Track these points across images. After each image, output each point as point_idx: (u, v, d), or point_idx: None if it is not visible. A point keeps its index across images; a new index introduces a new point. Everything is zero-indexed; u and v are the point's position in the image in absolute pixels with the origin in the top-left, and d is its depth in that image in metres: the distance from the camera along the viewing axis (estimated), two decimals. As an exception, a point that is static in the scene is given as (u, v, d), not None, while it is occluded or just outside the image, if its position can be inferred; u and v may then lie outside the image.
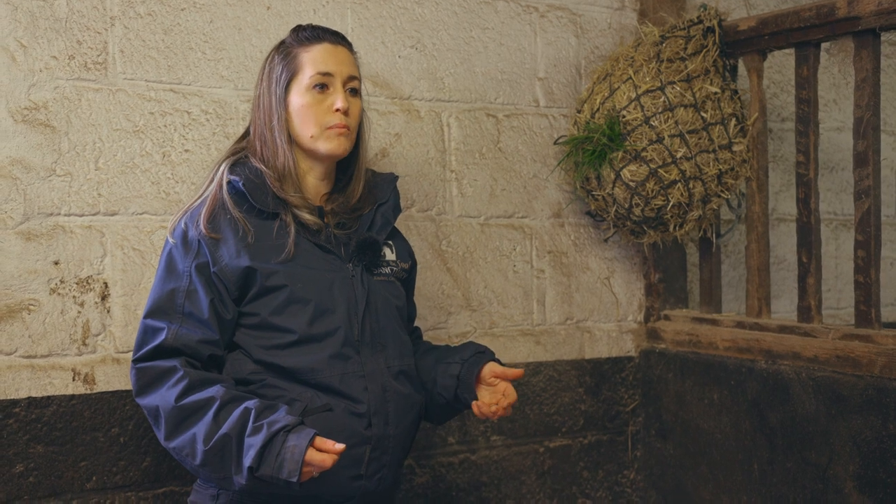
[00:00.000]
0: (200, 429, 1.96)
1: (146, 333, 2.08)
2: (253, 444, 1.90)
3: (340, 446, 1.91)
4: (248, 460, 1.90)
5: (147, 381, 2.04)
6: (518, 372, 2.25)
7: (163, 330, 2.06)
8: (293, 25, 2.57)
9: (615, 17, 3.15)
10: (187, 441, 1.98)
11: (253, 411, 1.94)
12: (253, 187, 2.15)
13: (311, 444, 1.89)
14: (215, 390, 1.99)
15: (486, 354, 2.29)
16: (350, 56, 2.26)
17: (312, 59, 2.19)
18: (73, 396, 2.40)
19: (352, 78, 2.23)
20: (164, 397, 2.00)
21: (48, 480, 2.37)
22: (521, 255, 3.02)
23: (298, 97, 2.19)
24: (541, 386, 3.03)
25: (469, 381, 2.24)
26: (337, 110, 2.18)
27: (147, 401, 2.04)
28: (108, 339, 2.45)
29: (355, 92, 2.25)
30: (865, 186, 2.54)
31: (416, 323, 2.62)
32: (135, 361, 2.07)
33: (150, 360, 2.05)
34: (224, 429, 1.94)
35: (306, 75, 2.19)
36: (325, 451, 1.90)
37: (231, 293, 2.10)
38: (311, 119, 2.18)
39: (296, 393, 2.09)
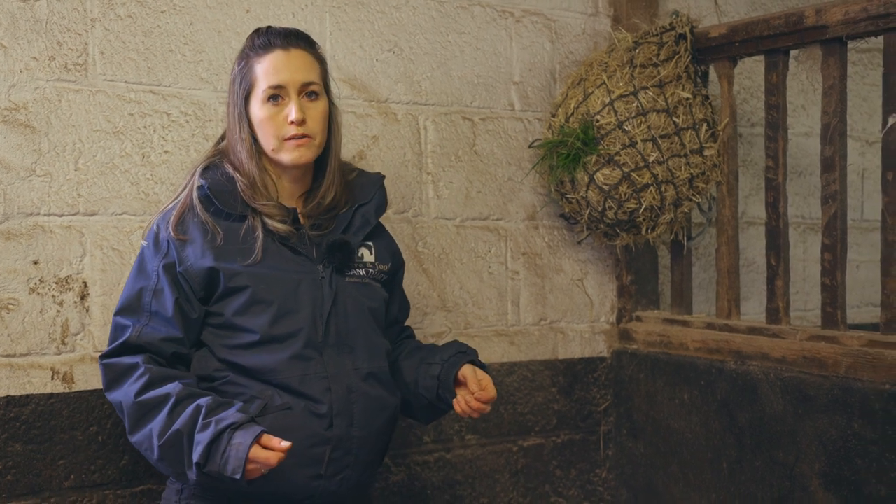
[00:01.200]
0: (156, 425, 2.01)
1: (116, 330, 2.15)
2: (200, 440, 1.94)
3: (286, 444, 1.93)
4: (196, 456, 1.94)
5: (112, 377, 2.10)
6: (487, 395, 2.21)
7: (129, 328, 2.12)
8: (272, 28, 2.60)
9: (589, 22, 3.19)
10: (146, 436, 2.04)
11: (203, 408, 1.98)
12: (220, 191, 2.18)
13: (256, 441, 1.92)
14: (172, 387, 2.03)
15: (466, 355, 2.30)
16: (306, 58, 2.22)
17: (265, 71, 2.18)
18: (51, 395, 2.42)
19: (307, 84, 2.20)
20: (126, 393, 2.06)
21: (26, 479, 2.38)
22: (496, 256, 3.06)
23: (257, 110, 2.20)
24: (514, 386, 3.07)
25: (448, 381, 2.25)
26: (292, 122, 2.18)
27: (113, 396, 2.11)
28: (87, 338, 2.46)
29: (314, 95, 2.22)
30: (832, 191, 2.60)
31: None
32: (101, 357, 2.14)
33: (116, 357, 2.11)
34: (177, 425, 1.98)
35: (260, 88, 2.19)
36: (271, 449, 1.92)
37: (196, 293, 2.14)
38: (270, 132, 2.19)
39: (256, 391, 2.12)
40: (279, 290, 2.16)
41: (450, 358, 2.29)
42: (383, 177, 2.41)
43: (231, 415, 1.97)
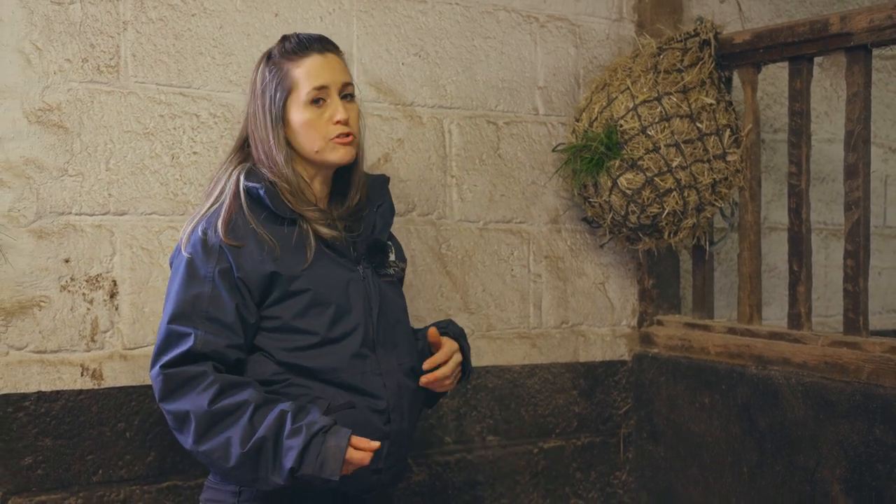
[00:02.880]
0: (236, 432, 1.99)
1: (170, 338, 2.08)
2: (293, 445, 1.96)
3: (375, 444, 2.00)
4: (289, 462, 1.96)
5: (174, 385, 2.04)
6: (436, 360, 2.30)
7: (189, 335, 2.06)
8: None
9: (613, 28, 3.21)
10: (220, 444, 2.01)
11: (289, 414, 1.99)
12: (273, 194, 2.16)
13: (349, 443, 1.97)
14: (248, 394, 2.03)
15: (437, 324, 2.39)
16: (340, 61, 2.26)
17: (306, 74, 2.19)
18: (80, 391, 2.46)
19: (346, 84, 2.24)
20: (195, 402, 2.02)
21: (56, 473, 2.42)
22: (519, 259, 3.08)
23: (298, 114, 2.20)
24: (536, 388, 3.09)
25: (424, 353, 2.33)
26: (338, 122, 2.21)
27: (175, 406, 2.04)
28: (116, 335, 2.50)
29: (351, 97, 2.26)
30: (855, 197, 2.61)
31: (415, 324, 2.67)
32: (162, 367, 2.06)
33: (179, 366, 2.05)
34: (261, 432, 1.98)
35: (302, 92, 2.19)
36: (362, 450, 1.99)
37: (254, 298, 2.12)
38: (315, 134, 2.20)
39: (319, 391, 2.13)
40: (335, 292, 2.17)
41: (425, 328, 2.38)
42: (388, 178, 2.43)
43: (319, 419, 2.00)
